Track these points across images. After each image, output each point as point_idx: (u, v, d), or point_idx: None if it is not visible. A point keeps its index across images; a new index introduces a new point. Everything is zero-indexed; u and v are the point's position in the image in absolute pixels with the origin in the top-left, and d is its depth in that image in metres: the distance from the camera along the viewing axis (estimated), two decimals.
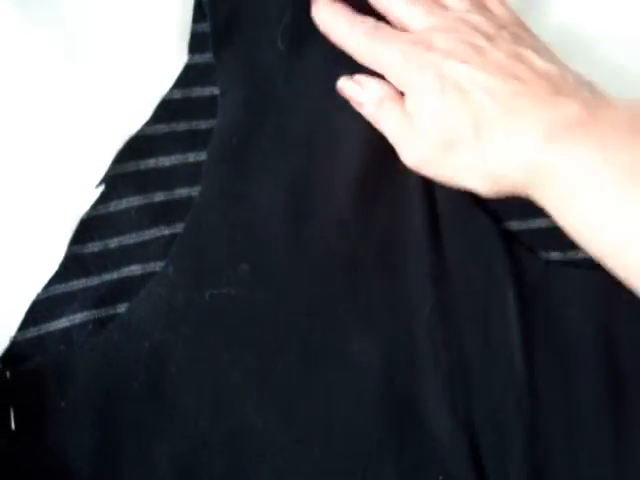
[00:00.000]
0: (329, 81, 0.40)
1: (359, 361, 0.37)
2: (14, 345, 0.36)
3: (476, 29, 0.36)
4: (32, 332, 0.37)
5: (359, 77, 0.38)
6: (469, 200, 0.38)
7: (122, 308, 0.37)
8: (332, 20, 0.38)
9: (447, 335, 0.37)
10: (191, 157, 0.39)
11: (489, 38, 0.36)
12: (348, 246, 0.38)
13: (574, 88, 0.33)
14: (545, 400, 0.37)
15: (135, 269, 0.38)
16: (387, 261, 0.38)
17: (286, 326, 0.37)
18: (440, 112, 0.35)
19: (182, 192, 0.39)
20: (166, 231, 0.38)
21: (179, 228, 0.38)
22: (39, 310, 0.37)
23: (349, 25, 0.38)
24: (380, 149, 0.39)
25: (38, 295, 0.37)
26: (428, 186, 0.39)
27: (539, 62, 0.34)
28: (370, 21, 0.38)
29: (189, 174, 0.39)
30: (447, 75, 0.35)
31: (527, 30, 0.38)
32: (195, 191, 0.38)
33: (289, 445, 0.36)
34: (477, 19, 0.37)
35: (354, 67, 0.39)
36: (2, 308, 0.37)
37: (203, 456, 0.36)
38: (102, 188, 0.38)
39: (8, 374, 0.35)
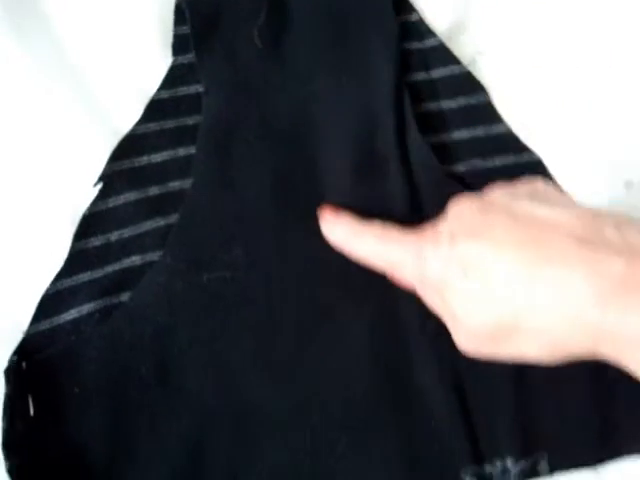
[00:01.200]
0: (306, 74, 0.42)
1: (350, 333, 0.39)
2: (27, 338, 0.38)
3: (478, 209, 0.33)
4: (43, 325, 0.39)
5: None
6: (447, 176, 0.41)
7: (125, 297, 0.39)
8: (341, 235, 0.38)
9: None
10: (181, 152, 0.41)
11: (488, 211, 0.32)
12: None
13: (597, 231, 0.30)
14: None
15: (135, 259, 0.40)
16: None
17: (279, 305, 0.39)
18: (470, 298, 0.32)
19: (175, 185, 0.41)
20: (162, 222, 0.40)
21: (174, 219, 0.40)
22: (48, 304, 0.39)
23: (358, 235, 0.37)
24: (359, 136, 0.41)
25: (47, 290, 0.39)
26: (408, 168, 0.40)
27: (543, 212, 0.31)
28: (377, 224, 0.37)
29: (180, 168, 0.41)
30: (462, 258, 0.32)
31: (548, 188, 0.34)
32: (187, 183, 0.40)
33: (289, 415, 0.38)
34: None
35: (326, 61, 0.41)
36: (14, 304, 0.39)
37: (210, 432, 0.38)
38: (100, 186, 0.40)
39: (24, 365, 0.37)
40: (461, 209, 0.33)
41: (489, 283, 0.31)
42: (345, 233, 0.38)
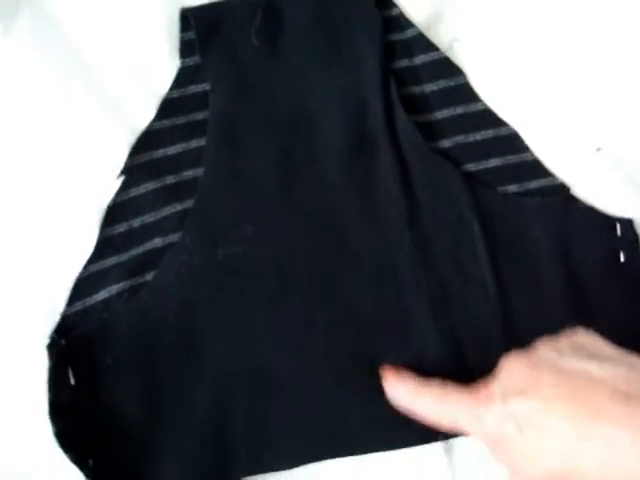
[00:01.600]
0: (301, 68, 0.45)
1: (353, 295, 0.43)
2: (64, 318, 0.42)
3: (528, 368, 0.35)
4: (77, 306, 0.42)
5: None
6: (432, 151, 0.44)
7: (150, 276, 0.43)
8: (403, 394, 0.39)
9: (425, 266, 0.43)
10: (193, 144, 0.44)
11: (536, 367, 0.35)
12: (333, 202, 0.44)
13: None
14: (515, 306, 0.42)
15: (157, 242, 0.43)
16: (368, 211, 0.43)
17: (288, 275, 0.43)
18: (526, 453, 0.34)
19: (189, 174, 0.44)
20: (179, 207, 0.43)
21: (190, 204, 0.43)
22: (81, 287, 0.43)
23: (418, 395, 0.39)
24: (351, 121, 0.44)
25: (79, 274, 0.43)
26: (397, 146, 0.44)
27: (589, 368, 0.33)
28: (435, 384, 0.39)
29: (193, 158, 0.44)
30: (516, 415, 0.34)
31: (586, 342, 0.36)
32: (199, 172, 0.44)
33: (303, 374, 0.42)
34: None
35: (318, 55, 0.45)
36: (50, 288, 0.43)
37: (231, 393, 0.42)
38: (122, 178, 0.44)
39: (63, 341, 0.41)
40: (511, 368, 0.36)
41: (543, 438, 0.33)
42: (408, 394, 0.39)
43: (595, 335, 0.36)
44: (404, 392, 0.40)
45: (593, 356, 0.34)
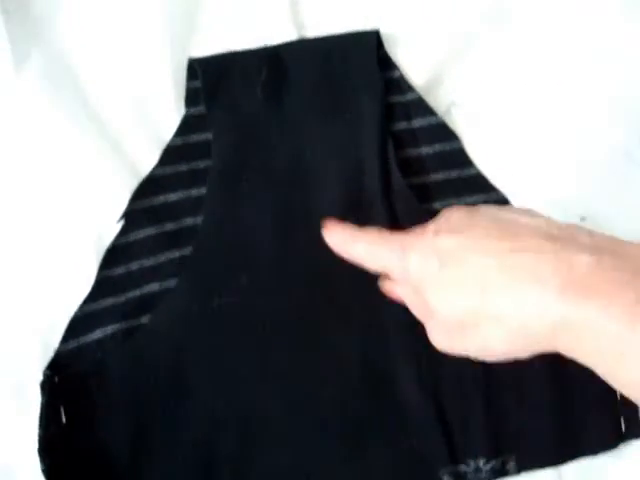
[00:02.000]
0: (302, 124, 0.46)
1: (341, 350, 0.44)
2: (58, 355, 0.43)
3: (466, 214, 0.35)
4: (72, 344, 0.43)
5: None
6: (426, 213, 0.44)
7: (145, 319, 0.44)
8: (338, 239, 0.39)
9: (411, 326, 0.42)
10: (193, 192, 0.45)
11: (475, 216, 0.34)
12: (326, 258, 0.42)
13: (571, 235, 0.31)
14: (497, 371, 0.43)
15: (154, 286, 0.44)
16: (359, 270, 0.42)
17: (280, 326, 0.44)
18: (444, 288, 0.33)
19: (188, 221, 0.45)
20: (177, 253, 0.44)
21: (188, 251, 0.44)
22: (77, 325, 0.43)
23: (352, 238, 0.38)
24: (348, 180, 0.45)
25: (75, 313, 0.43)
26: (392, 207, 0.45)
27: (524, 219, 0.32)
28: (370, 229, 0.38)
29: (193, 206, 0.45)
30: (442, 250, 0.33)
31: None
32: (198, 220, 0.45)
33: (288, 419, 0.43)
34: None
35: (323, 111, 0.46)
36: (46, 325, 0.44)
37: (219, 437, 0.43)
38: (122, 222, 0.44)
39: (56, 379, 0.42)
40: (450, 212, 0.35)
41: (462, 272, 0.32)
42: (342, 237, 0.38)
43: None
44: (340, 235, 0.38)
45: (531, 214, 0.33)
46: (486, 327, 0.32)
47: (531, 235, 0.31)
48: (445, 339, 0.35)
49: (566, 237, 0.30)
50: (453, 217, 0.35)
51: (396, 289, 0.39)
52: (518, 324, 0.30)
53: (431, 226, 0.35)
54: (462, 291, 0.32)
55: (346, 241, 0.38)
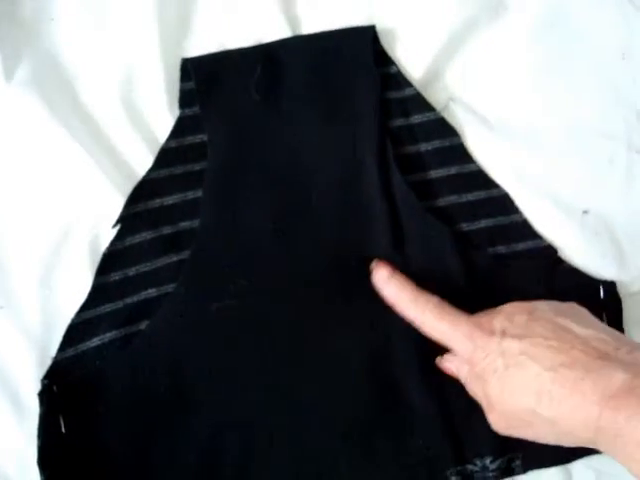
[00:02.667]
0: (299, 123, 0.45)
1: (343, 353, 0.43)
2: (56, 364, 0.42)
3: (528, 317, 0.39)
4: (70, 352, 0.42)
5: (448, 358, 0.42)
6: (426, 210, 0.44)
7: (144, 325, 0.43)
8: (398, 296, 0.42)
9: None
10: (190, 195, 0.45)
11: (536, 319, 0.39)
12: (328, 257, 0.44)
13: (614, 349, 0.36)
14: None
15: (152, 292, 0.43)
16: (361, 269, 0.44)
17: (280, 329, 0.43)
18: (506, 387, 0.38)
19: (185, 224, 0.44)
20: (175, 258, 0.44)
21: (186, 255, 0.44)
22: (74, 333, 0.43)
23: (415, 303, 0.41)
24: (347, 178, 0.45)
25: (72, 320, 0.43)
26: (391, 205, 0.44)
27: (577, 329, 0.37)
28: (433, 300, 0.41)
29: (190, 209, 0.44)
30: (507, 353, 0.38)
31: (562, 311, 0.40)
32: (196, 223, 0.44)
33: (292, 426, 0.42)
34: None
35: (319, 109, 0.45)
36: (43, 333, 0.43)
37: (222, 444, 0.42)
38: (118, 227, 0.44)
39: (55, 388, 0.41)
40: (514, 312, 0.40)
41: (522, 377, 0.37)
42: (401, 294, 0.42)
43: (585, 309, 0.40)
44: (396, 288, 0.42)
45: (584, 323, 0.38)
46: (539, 426, 0.38)
47: (580, 349, 0.36)
48: (502, 425, 0.40)
49: (609, 353, 0.36)
50: (517, 319, 0.39)
51: (455, 365, 0.42)
52: (564, 426, 0.36)
53: (497, 323, 0.39)
54: (522, 393, 0.37)
55: (405, 298, 0.42)
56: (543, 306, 0.40)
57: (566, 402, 0.36)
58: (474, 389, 0.40)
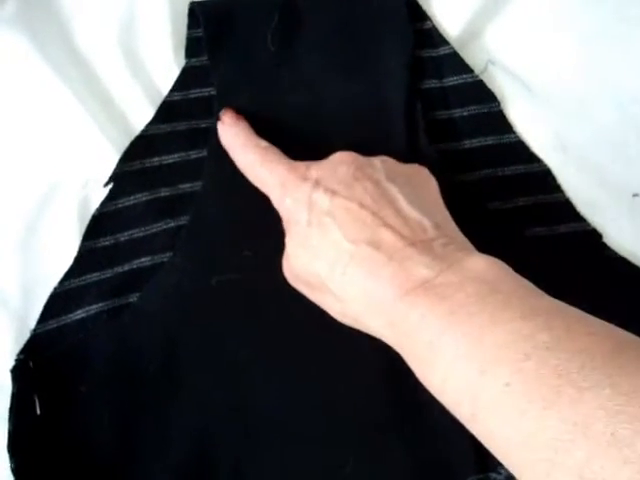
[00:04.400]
0: (318, 77, 0.42)
1: (358, 343, 0.38)
2: (35, 337, 0.39)
3: (354, 172, 0.35)
4: (51, 324, 0.39)
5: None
6: (455, 185, 0.40)
7: (134, 297, 0.39)
8: (230, 141, 0.39)
9: None
10: (192, 154, 0.41)
11: (361, 178, 0.35)
12: None
13: (430, 240, 0.33)
14: None
15: (145, 260, 0.40)
16: None
17: (288, 306, 0.39)
18: (303, 244, 0.35)
19: (185, 187, 0.41)
20: (172, 224, 0.40)
21: (184, 220, 0.40)
22: (57, 303, 0.39)
23: (243, 148, 0.39)
24: (370, 142, 0.41)
25: (55, 289, 0.39)
26: None
27: (404, 204, 0.34)
28: (262, 144, 0.38)
29: (191, 170, 0.41)
30: (314, 208, 0.35)
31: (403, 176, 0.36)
32: (197, 186, 0.40)
33: (296, 417, 0.39)
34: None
35: (341, 66, 0.42)
36: (21, 303, 0.39)
37: (216, 431, 0.38)
38: (110, 186, 0.40)
39: (31, 363, 0.38)
40: (341, 161, 0.36)
41: (321, 240, 0.34)
42: (234, 139, 0.39)
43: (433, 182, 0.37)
44: (233, 136, 0.39)
45: (414, 196, 0.35)
46: (328, 297, 0.35)
47: (392, 230, 0.33)
48: (290, 278, 0.37)
49: (423, 241, 0.33)
50: (340, 170, 0.35)
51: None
52: (351, 311, 0.34)
53: (315, 171, 0.36)
54: (315, 257, 0.34)
55: (237, 144, 0.39)
56: (377, 164, 0.36)
57: (359, 283, 0.33)
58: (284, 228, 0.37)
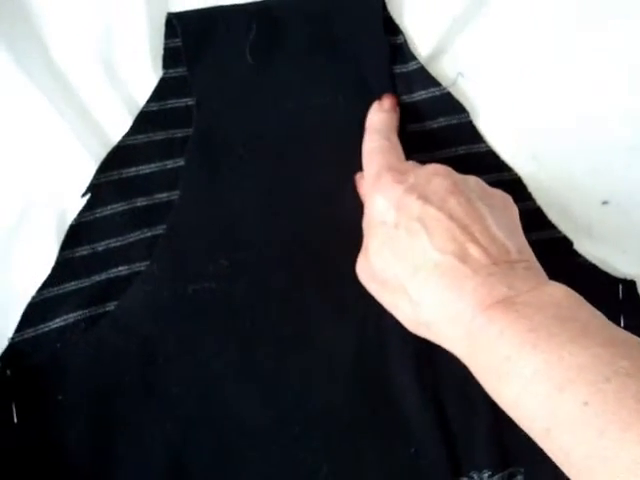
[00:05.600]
0: (298, 91, 0.42)
1: (331, 346, 0.40)
2: (12, 345, 0.39)
3: (448, 186, 0.35)
4: (29, 333, 0.39)
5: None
6: None
7: (111, 306, 0.39)
8: (374, 123, 0.40)
9: None
10: (169, 164, 0.41)
11: (455, 192, 0.35)
12: (317, 238, 0.40)
13: (512, 261, 0.33)
14: None
15: (122, 269, 0.40)
16: (354, 251, 0.39)
17: (262, 316, 0.40)
18: (389, 244, 0.35)
19: (162, 196, 0.41)
20: (149, 233, 0.40)
21: (161, 230, 0.40)
22: (34, 312, 0.39)
23: (376, 133, 0.40)
24: (348, 155, 0.41)
25: (33, 298, 0.39)
26: None
27: (490, 220, 0.34)
28: (393, 139, 0.39)
29: (168, 180, 0.41)
30: (404, 211, 0.35)
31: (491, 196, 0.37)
32: (174, 195, 0.40)
33: (270, 425, 0.39)
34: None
35: (319, 78, 0.42)
36: None
37: (192, 439, 0.38)
38: (88, 196, 0.40)
39: (8, 372, 0.38)
40: (438, 173, 0.36)
41: (408, 244, 0.34)
42: (378, 123, 0.40)
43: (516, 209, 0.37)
44: (379, 121, 0.40)
45: (501, 218, 0.35)
46: (402, 300, 0.35)
47: (479, 247, 0.33)
48: (365, 277, 0.37)
49: (506, 261, 0.33)
50: (436, 181, 0.35)
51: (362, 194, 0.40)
52: (427, 318, 0.34)
53: (412, 177, 0.36)
54: (399, 260, 0.34)
55: (376, 129, 0.40)
56: (472, 182, 0.36)
57: (440, 292, 0.33)
58: (362, 225, 0.38)
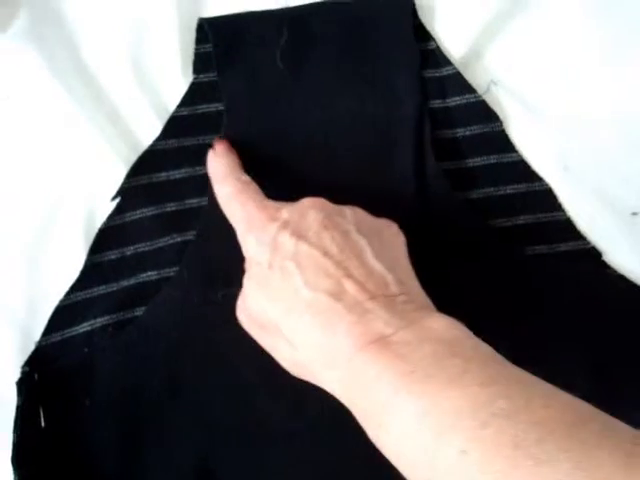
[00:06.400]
0: (328, 97, 0.42)
1: None
2: (39, 349, 0.39)
3: (323, 220, 0.34)
4: (56, 337, 0.39)
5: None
6: (460, 203, 0.41)
7: (140, 311, 0.39)
8: (215, 170, 0.38)
9: None
10: (199, 170, 0.41)
11: (329, 226, 0.34)
12: None
13: (392, 295, 0.32)
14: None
15: (151, 274, 0.40)
16: None
17: None
18: (263, 285, 0.34)
19: (192, 202, 0.41)
20: (178, 238, 0.40)
21: (190, 235, 0.40)
22: (62, 316, 0.39)
23: (224, 179, 0.38)
24: (377, 161, 0.41)
25: (60, 302, 0.39)
26: (423, 194, 0.40)
27: (367, 256, 0.33)
28: (243, 179, 0.37)
29: (198, 185, 0.41)
30: (278, 251, 0.33)
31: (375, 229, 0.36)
32: (204, 201, 0.40)
33: (299, 433, 0.38)
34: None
35: (349, 84, 0.42)
36: (26, 316, 0.39)
37: (220, 445, 0.38)
38: (118, 200, 0.40)
39: (36, 376, 0.38)
40: (312, 206, 0.35)
41: (281, 285, 0.33)
42: (219, 169, 0.38)
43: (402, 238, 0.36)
44: (218, 166, 0.38)
45: (382, 250, 0.34)
46: (280, 342, 0.34)
47: (355, 282, 0.32)
48: (244, 321, 0.36)
49: (386, 296, 0.32)
50: (310, 215, 0.34)
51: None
52: (303, 360, 0.33)
53: (285, 213, 0.35)
54: (273, 301, 0.33)
55: (221, 175, 0.38)
56: (349, 214, 0.35)
57: (313, 332, 0.31)
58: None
